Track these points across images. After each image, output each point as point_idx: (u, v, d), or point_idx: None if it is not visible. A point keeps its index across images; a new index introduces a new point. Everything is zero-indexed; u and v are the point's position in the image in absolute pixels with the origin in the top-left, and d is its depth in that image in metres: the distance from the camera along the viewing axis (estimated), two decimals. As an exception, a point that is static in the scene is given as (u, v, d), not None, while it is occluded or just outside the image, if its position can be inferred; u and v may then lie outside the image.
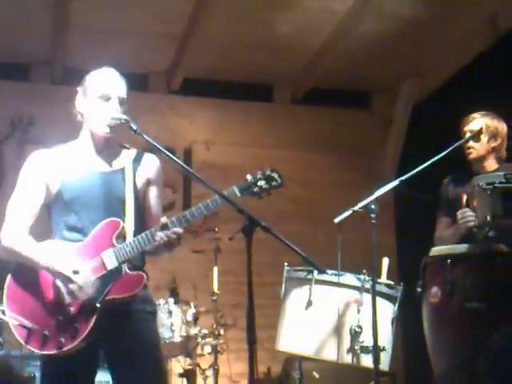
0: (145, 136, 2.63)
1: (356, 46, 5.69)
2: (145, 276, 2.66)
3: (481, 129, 3.58)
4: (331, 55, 5.93)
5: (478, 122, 3.62)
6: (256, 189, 2.69)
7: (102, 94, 2.70)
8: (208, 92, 6.23)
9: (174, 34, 5.66)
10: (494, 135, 3.59)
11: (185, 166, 2.77)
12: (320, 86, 6.40)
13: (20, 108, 5.79)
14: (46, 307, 2.58)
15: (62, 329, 2.55)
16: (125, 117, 2.67)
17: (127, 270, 2.63)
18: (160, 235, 2.60)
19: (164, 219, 2.64)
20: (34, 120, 5.79)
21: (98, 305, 2.56)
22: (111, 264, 2.61)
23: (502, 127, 3.64)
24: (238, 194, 2.66)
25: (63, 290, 2.57)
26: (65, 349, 2.54)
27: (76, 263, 2.60)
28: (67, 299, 2.56)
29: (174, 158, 2.70)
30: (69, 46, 5.64)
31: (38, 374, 3.77)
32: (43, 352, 2.57)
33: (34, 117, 5.79)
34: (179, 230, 2.61)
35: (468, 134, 3.59)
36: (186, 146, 6.18)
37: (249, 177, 2.71)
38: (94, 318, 2.56)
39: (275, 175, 2.73)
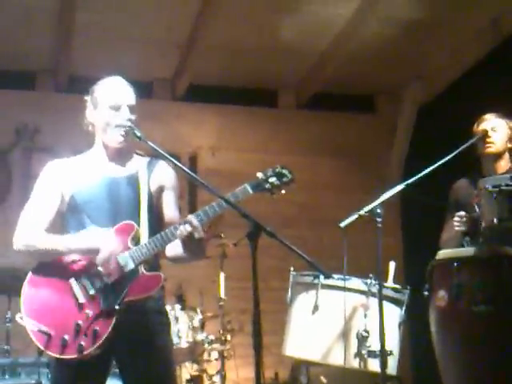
0: (150, 143, 2.63)
1: (360, 49, 5.69)
2: (162, 276, 2.65)
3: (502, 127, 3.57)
4: (335, 59, 5.93)
5: (498, 121, 3.60)
6: (268, 185, 2.68)
7: (112, 104, 2.71)
8: (213, 98, 6.24)
9: (178, 41, 5.68)
10: (511, 137, 3.59)
11: (190, 172, 2.77)
12: (324, 91, 6.40)
13: (25, 116, 5.82)
14: (65, 312, 2.58)
15: (82, 333, 2.54)
16: (129, 123, 2.68)
17: (144, 271, 2.63)
18: (181, 228, 2.56)
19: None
20: (40, 128, 5.82)
21: (117, 307, 2.56)
22: (128, 266, 2.61)
23: None
24: (251, 191, 2.65)
25: (77, 290, 2.58)
26: (85, 352, 2.54)
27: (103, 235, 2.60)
28: (83, 299, 2.57)
29: (180, 165, 2.70)
30: (73, 55, 5.66)
31: (44, 382, 3.76)
32: (63, 356, 2.56)
33: (39, 125, 5.82)
34: (196, 222, 2.55)
35: (491, 132, 3.55)
36: (192, 152, 6.20)
37: (259, 174, 2.70)
38: (113, 320, 2.56)
39: (285, 171, 2.73)
